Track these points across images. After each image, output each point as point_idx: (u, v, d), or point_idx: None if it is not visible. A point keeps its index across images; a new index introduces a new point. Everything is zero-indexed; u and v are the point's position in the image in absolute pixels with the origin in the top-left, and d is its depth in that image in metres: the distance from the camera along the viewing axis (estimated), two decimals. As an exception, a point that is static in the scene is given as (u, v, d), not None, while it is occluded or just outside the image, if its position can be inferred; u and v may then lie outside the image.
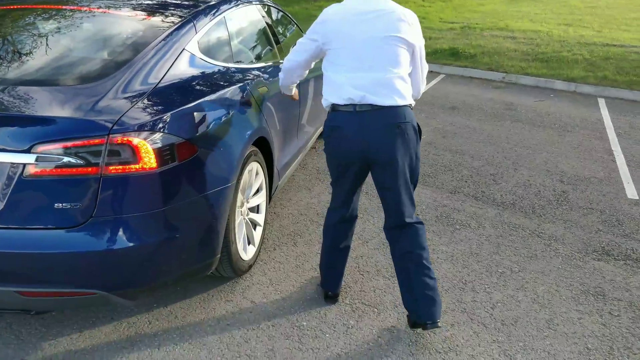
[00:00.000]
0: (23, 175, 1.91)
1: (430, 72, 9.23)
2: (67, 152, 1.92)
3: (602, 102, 7.39)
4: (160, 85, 2.33)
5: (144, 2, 3.15)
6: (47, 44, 2.55)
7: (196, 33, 2.72)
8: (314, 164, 4.57)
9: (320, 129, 4.79)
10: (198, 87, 2.49)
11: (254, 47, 3.45)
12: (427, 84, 8.23)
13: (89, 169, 1.95)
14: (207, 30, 2.83)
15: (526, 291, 2.85)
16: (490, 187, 4.27)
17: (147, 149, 2.03)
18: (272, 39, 3.71)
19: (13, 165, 1.91)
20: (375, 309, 2.63)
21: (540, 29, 11.30)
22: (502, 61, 9.22)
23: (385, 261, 3.07)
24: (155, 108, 2.18)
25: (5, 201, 1.92)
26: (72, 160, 1.93)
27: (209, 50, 2.79)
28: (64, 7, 2.94)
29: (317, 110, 4.45)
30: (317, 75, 4.44)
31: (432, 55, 9.73)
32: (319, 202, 3.80)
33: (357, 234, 3.36)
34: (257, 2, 3.81)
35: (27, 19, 2.87)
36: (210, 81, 2.62)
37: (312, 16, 13.40)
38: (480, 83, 8.48)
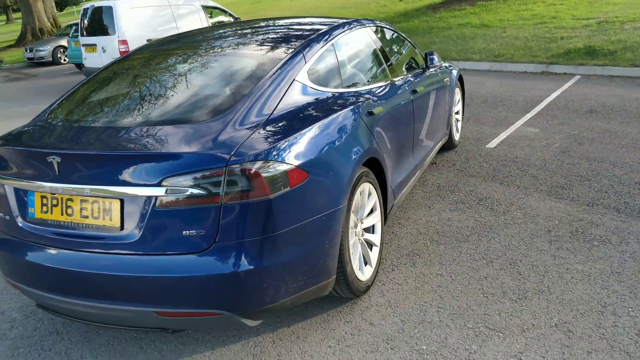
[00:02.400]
0: (155, 207, 2.13)
1: (563, 74, 8.61)
2: (191, 183, 2.10)
3: None
4: (272, 116, 2.46)
5: (259, 38, 3.36)
6: (172, 85, 2.83)
7: (305, 63, 2.84)
8: (434, 180, 4.47)
9: (441, 143, 4.69)
10: (308, 115, 2.59)
11: (364, 69, 3.50)
12: (561, 86, 7.67)
13: (211, 199, 2.11)
14: (316, 59, 2.93)
15: (681, 317, 2.50)
16: (636, 197, 3.83)
17: (261, 178, 2.15)
18: (383, 60, 3.73)
19: (148, 197, 2.13)
20: (500, 334, 2.48)
21: (696, 14, 9.98)
22: (649, 55, 8.28)
23: (512, 282, 2.89)
24: (268, 138, 2.30)
25: (141, 231, 2.15)
26: (196, 191, 2.10)
27: (318, 78, 2.89)
28: (187, 51, 3.24)
29: (436, 125, 4.37)
30: (437, 88, 4.37)
31: (565, 56, 9.06)
32: (439, 220, 3.70)
33: (481, 253, 3.21)
34: (370, 24, 3.87)
35: (154, 64, 3.20)
36: (320, 108, 2.71)
37: (433, 28, 13.24)
38: (622, 82, 7.69)
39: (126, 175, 2.15)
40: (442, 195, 4.15)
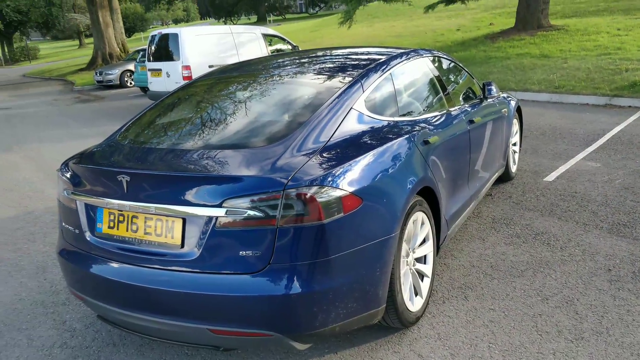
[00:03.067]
0: (216, 227, 2.22)
1: (628, 107, 8.33)
2: (250, 205, 2.18)
3: None
4: (329, 143, 2.53)
5: (318, 67, 3.46)
6: (234, 111, 2.96)
7: (363, 92, 2.90)
8: (489, 212, 4.40)
9: (497, 175, 4.62)
10: (364, 143, 2.64)
11: (421, 99, 3.53)
12: (625, 120, 7.40)
13: (268, 221, 2.18)
14: (373, 88, 2.99)
15: None
16: None
17: (316, 203, 2.20)
18: (440, 89, 3.75)
19: (208, 217, 2.23)
20: (555, 374, 2.40)
21: None
22: None
23: (568, 322, 2.79)
24: (324, 164, 2.36)
25: (201, 250, 2.24)
26: (254, 213, 2.18)
27: (375, 107, 2.94)
28: (248, 79, 3.38)
29: (492, 156, 4.32)
30: (494, 119, 4.34)
31: (630, 89, 8.76)
32: (494, 254, 3.63)
33: (536, 290, 3.13)
34: (427, 54, 3.91)
35: (217, 91, 3.35)
36: (376, 136, 2.75)
37: (491, 58, 13.11)
38: (693, 116, 7.34)
39: (189, 195, 2.26)
40: (497, 228, 4.07)
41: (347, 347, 2.72)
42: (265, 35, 12.70)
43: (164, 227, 2.32)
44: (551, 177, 5.20)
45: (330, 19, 32.09)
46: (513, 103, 5.11)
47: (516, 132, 5.33)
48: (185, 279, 2.26)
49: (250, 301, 2.19)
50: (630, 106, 8.35)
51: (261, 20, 50.29)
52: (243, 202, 2.18)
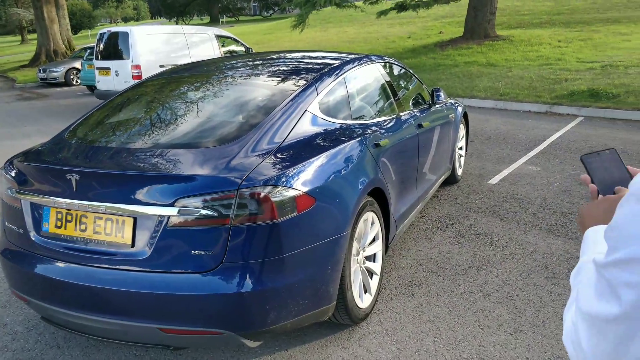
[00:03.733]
0: (167, 226, 2.22)
1: (566, 114, 8.77)
2: (203, 205, 2.20)
3: None
4: (284, 144, 2.58)
5: (273, 69, 3.51)
6: (191, 111, 2.96)
7: (317, 95, 2.97)
8: (435, 213, 4.56)
9: (444, 177, 4.79)
10: (317, 144, 2.70)
11: (372, 103, 3.63)
12: (564, 127, 7.81)
13: (221, 220, 2.20)
14: (327, 91, 3.07)
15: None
16: (633, 238, 3.89)
17: (270, 202, 2.25)
18: (391, 94, 3.86)
19: (160, 217, 2.23)
20: (495, 365, 2.54)
21: (698, 62, 10.19)
22: (651, 100, 8.43)
23: (508, 316, 2.94)
24: (278, 165, 2.41)
25: (152, 249, 2.24)
26: (208, 212, 2.20)
27: (328, 110, 3.01)
28: (206, 78, 3.38)
29: (439, 159, 4.48)
30: (441, 124, 4.49)
31: (569, 97, 9.23)
32: (439, 253, 3.78)
33: (478, 286, 3.28)
34: (379, 61, 4.02)
35: (170, 91, 3.34)
36: (329, 138, 2.82)
37: (440, 65, 13.49)
38: (624, 125, 7.83)
39: (141, 194, 2.25)
40: (442, 228, 4.23)
41: (297, 344, 2.77)
42: (218, 37, 12.61)
43: (114, 226, 2.30)
44: (495, 180, 5.43)
45: (283, 22, 32.12)
46: (460, 109, 5.31)
47: (462, 136, 5.54)
48: (135, 278, 2.25)
49: (201, 300, 2.21)
50: (568, 114, 8.81)
51: (214, 22, 49.74)
52: (196, 202, 2.19)
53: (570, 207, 4.56)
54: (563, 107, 8.99)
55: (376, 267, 3.11)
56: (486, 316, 2.96)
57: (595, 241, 0.90)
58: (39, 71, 19.01)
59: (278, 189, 2.29)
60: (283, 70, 3.51)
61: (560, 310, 2.98)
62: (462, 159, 5.60)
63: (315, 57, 3.92)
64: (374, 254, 3.12)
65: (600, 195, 1.03)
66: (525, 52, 13.67)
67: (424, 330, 2.84)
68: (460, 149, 5.51)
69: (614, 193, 1.01)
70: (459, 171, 5.44)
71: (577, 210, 4.49)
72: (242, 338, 2.31)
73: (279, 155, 2.48)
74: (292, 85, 3.03)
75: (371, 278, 3.06)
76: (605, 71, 10.65)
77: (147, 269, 2.25)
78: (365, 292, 2.99)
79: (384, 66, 4.06)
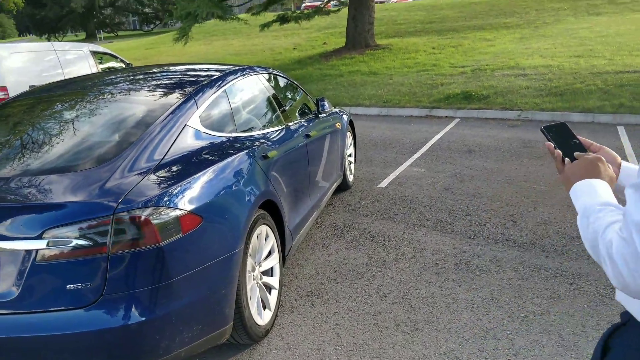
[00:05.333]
0: (36, 261, 2.00)
1: (444, 117, 9.32)
2: (76, 234, 2.01)
3: (621, 129, 7.30)
4: (163, 161, 2.44)
5: (151, 83, 3.33)
6: (57, 133, 2.71)
7: (197, 108, 2.86)
8: (330, 220, 4.60)
9: (336, 185, 4.85)
10: (201, 160, 2.60)
11: (258, 114, 3.58)
12: (443, 129, 8.29)
13: (97, 249, 2.03)
14: (208, 104, 2.97)
15: (550, 334, 2.75)
16: (510, 228, 4.20)
17: (151, 225, 2.11)
18: (276, 105, 3.84)
19: (26, 252, 2.00)
20: (395, 366, 2.58)
21: (552, 64, 11.35)
22: (516, 99, 9.24)
23: (404, 315, 3.02)
24: (158, 184, 2.27)
25: (20, 288, 2.00)
26: (81, 241, 2.01)
27: (211, 123, 2.91)
28: (73, 97, 3.13)
29: (330, 167, 4.53)
30: (329, 132, 4.55)
31: (445, 101, 9.84)
32: (336, 259, 3.80)
33: (375, 289, 3.34)
34: (262, 72, 3.99)
35: (37, 111, 3.06)
36: (213, 152, 2.72)
37: (326, 75, 13.80)
38: (495, 123, 8.49)
39: (2, 228, 2.02)
40: (338, 234, 4.28)
41: (196, 371, 2.63)
42: (94, 53, 11.90)
43: (-28, 266, 2.03)
44: (384, 183, 5.62)
45: (166, 37, 31.17)
46: (345, 117, 5.43)
47: (350, 144, 5.67)
48: (3, 322, 2.00)
49: (83, 337, 2.02)
50: (446, 116, 9.38)
51: (90, 37, 47.04)
52: (67, 231, 2.00)
53: (454, 204, 4.83)
54: (441, 110, 9.57)
55: (274, 281, 3.05)
56: (384, 318, 3.01)
57: (589, 189, 1.16)
58: None
59: (160, 209, 2.16)
60: (161, 84, 3.35)
61: (451, 304, 3.11)
62: (352, 166, 5.73)
63: (197, 70, 3.80)
64: (271, 268, 3.06)
65: (566, 159, 1.27)
66: (403, 60, 14.40)
67: (325, 340, 2.83)
68: (350, 155, 5.63)
69: (575, 158, 1.26)
70: (350, 177, 5.56)
71: (459, 206, 4.76)
72: (133, 374, 2.14)
73: (158, 173, 2.34)
74: (170, 99, 2.89)
75: (270, 293, 2.99)
76: (475, 75, 11.51)
77: (16, 311, 2.02)
78: (265, 308, 2.92)
79: (267, 77, 4.03)
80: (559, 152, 1.30)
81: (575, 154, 1.28)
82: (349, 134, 5.54)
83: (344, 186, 5.31)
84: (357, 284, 3.42)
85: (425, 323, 2.93)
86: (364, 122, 9.34)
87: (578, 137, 1.33)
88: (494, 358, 2.59)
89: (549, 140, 1.34)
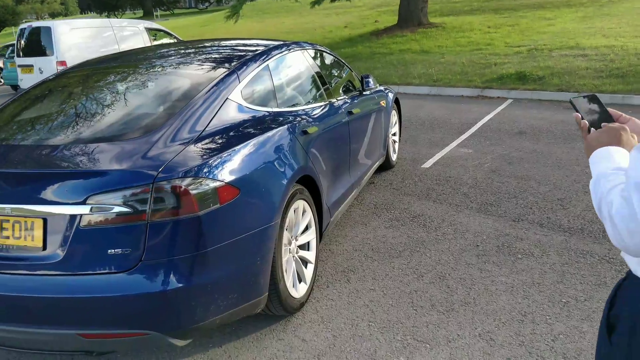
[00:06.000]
0: (80, 226, 2.09)
1: (496, 97, 9.04)
2: (117, 201, 2.08)
3: (687, 114, 6.87)
4: (204, 133, 2.48)
5: (197, 57, 3.39)
6: (106, 103, 2.81)
7: (239, 82, 2.88)
8: (371, 199, 4.58)
9: (378, 164, 4.82)
10: (240, 133, 2.63)
11: (300, 90, 3.58)
12: (494, 109, 8.06)
13: (137, 216, 2.10)
14: (250, 78, 2.99)
15: (592, 321, 2.66)
16: (557, 212, 4.06)
17: (189, 194, 2.16)
18: (319, 82, 3.83)
19: (72, 216, 2.10)
20: (427, 345, 2.56)
21: (615, 44, 10.75)
22: (573, 81, 8.84)
23: (441, 295, 2.99)
24: (198, 155, 2.32)
25: (65, 250, 2.11)
26: (122, 208, 2.09)
27: (252, 97, 2.94)
28: (124, 70, 3.22)
29: (372, 146, 4.49)
30: (372, 110, 4.51)
31: (498, 81, 9.53)
32: (375, 237, 3.79)
33: (412, 268, 3.31)
34: (308, 47, 3.97)
35: (90, 82, 3.17)
36: (253, 126, 2.75)
37: (375, 54, 13.62)
38: (550, 105, 8.17)
39: (49, 193, 2.11)
40: (378, 213, 4.26)
41: (232, 339, 2.71)
42: (149, 30, 12.20)
43: (22, 229, 2.15)
44: (428, 163, 5.53)
45: (220, 15, 31.50)
46: (391, 95, 5.35)
47: (395, 122, 5.60)
48: (48, 282, 2.11)
49: (121, 300, 2.10)
50: (498, 97, 9.10)
51: (147, 15, 48.14)
52: (109, 198, 2.08)
53: (500, 187, 4.70)
54: (493, 90, 9.28)
55: (310, 255, 3.08)
56: (419, 297, 2.99)
57: (607, 155, 1.18)
58: (-43, 71, 17.80)
59: (199, 180, 2.21)
60: (208, 58, 3.40)
61: (490, 286, 3.05)
62: (396, 145, 5.66)
63: (242, 45, 3.82)
64: (308, 243, 3.09)
65: (592, 129, 1.29)
66: (457, 39, 14.00)
67: (359, 315, 2.84)
68: (394, 134, 5.56)
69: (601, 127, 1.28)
70: (394, 157, 5.50)
71: (506, 188, 4.63)
72: (169, 337, 2.22)
73: (199, 145, 2.39)
74: (215, 73, 2.93)
75: (305, 267, 3.03)
76: (532, 55, 11.07)
77: (61, 272, 2.12)
78: (300, 281, 2.96)
79: (313, 53, 4.02)
80: (585, 122, 1.32)
81: (602, 124, 1.29)
82: (394, 113, 5.46)
83: (386, 165, 5.26)
84: (394, 263, 3.40)
85: (461, 304, 2.89)
86: (412, 101, 9.19)
87: (608, 108, 1.35)
88: (530, 342, 2.53)
89: (577, 111, 1.35)
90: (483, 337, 2.59)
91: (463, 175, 5.08)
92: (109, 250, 2.10)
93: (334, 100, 3.85)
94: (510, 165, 5.28)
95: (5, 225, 2.17)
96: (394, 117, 5.51)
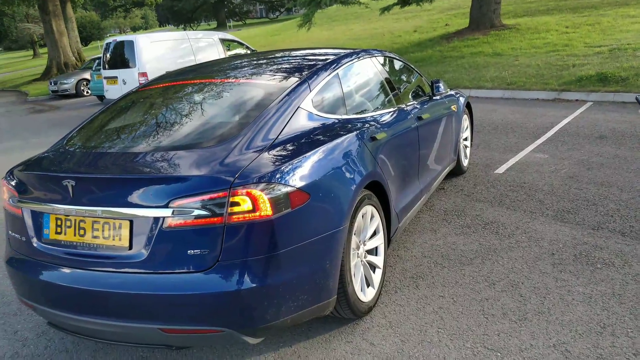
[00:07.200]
0: (163, 227, 2.24)
1: (575, 100, 8.66)
2: (197, 205, 2.21)
3: None
4: (277, 141, 2.59)
5: (270, 68, 3.52)
6: (184, 113, 2.98)
7: (310, 91, 2.97)
8: (441, 204, 4.53)
9: (448, 169, 4.76)
10: (311, 140, 2.71)
11: (369, 97, 3.62)
12: (572, 113, 7.71)
13: (215, 219, 2.22)
14: (321, 87, 3.07)
15: (680, 337, 2.50)
16: (642, 221, 3.84)
17: (263, 199, 2.26)
18: (388, 88, 3.85)
19: (155, 218, 2.25)
20: (498, 354, 2.51)
21: None
22: (661, 81, 8.29)
23: (513, 304, 2.92)
24: (271, 162, 2.42)
25: (149, 250, 2.26)
26: (201, 212, 2.21)
27: (323, 105, 3.02)
28: (201, 81, 3.40)
29: (443, 151, 4.45)
30: (443, 115, 4.47)
31: (577, 83, 9.11)
32: (444, 244, 3.75)
33: (483, 276, 3.25)
34: (377, 54, 4.01)
35: (169, 93, 3.37)
36: (323, 133, 2.82)
37: (446, 57, 13.41)
38: (634, 108, 7.70)
39: (135, 197, 2.28)
40: (448, 219, 4.20)
41: (301, 340, 2.78)
42: (223, 40, 12.68)
43: (111, 229, 2.33)
44: (501, 169, 5.38)
45: (290, 23, 32.18)
46: (462, 99, 5.27)
47: (467, 127, 5.50)
48: (134, 280, 2.28)
49: (199, 298, 2.23)
50: (577, 100, 8.70)
51: (221, 26, 50.01)
52: (189, 202, 2.21)
53: (578, 193, 4.50)
54: (571, 93, 8.88)
55: (378, 260, 3.10)
56: (490, 305, 2.93)
57: None
58: (50, 84, 19.28)
59: (272, 185, 2.30)
60: (279, 68, 3.52)
61: (566, 296, 2.94)
62: (468, 150, 5.56)
63: (313, 54, 3.92)
64: (376, 248, 3.11)
65: None
66: (531, 40, 13.51)
67: (427, 322, 2.83)
68: (465, 139, 5.47)
69: None
70: (465, 162, 5.40)
71: (584, 195, 4.43)
72: (242, 335, 2.33)
73: (272, 152, 2.49)
74: (287, 83, 3.03)
75: (374, 272, 3.05)
76: (614, 55, 10.49)
77: (145, 270, 2.28)
78: (368, 285, 2.99)
79: (381, 59, 4.05)
80: None
81: None
82: (465, 117, 5.37)
83: (457, 171, 5.18)
84: (464, 270, 3.35)
85: (535, 313, 2.81)
86: (484, 105, 8.98)
87: None
88: (610, 356, 2.42)
89: None
90: (558, 348, 2.51)
91: (538, 181, 4.91)
92: (189, 251, 2.23)
93: (403, 105, 3.86)
94: (590, 171, 5.05)
95: (96, 226, 2.36)
96: (466, 121, 5.42)
